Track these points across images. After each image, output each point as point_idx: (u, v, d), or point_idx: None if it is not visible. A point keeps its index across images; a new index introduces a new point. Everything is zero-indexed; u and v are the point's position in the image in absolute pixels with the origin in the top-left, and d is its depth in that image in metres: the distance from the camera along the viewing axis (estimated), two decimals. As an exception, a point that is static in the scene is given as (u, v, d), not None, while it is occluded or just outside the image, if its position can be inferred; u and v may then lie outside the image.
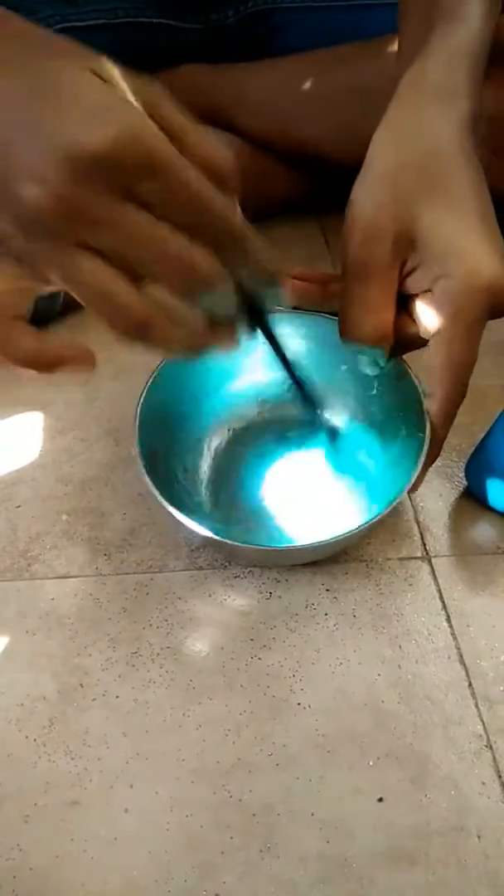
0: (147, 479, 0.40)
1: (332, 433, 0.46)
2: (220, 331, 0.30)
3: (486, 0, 0.40)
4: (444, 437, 0.41)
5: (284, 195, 0.70)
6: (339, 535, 0.39)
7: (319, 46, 0.64)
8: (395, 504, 0.39)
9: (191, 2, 0.65)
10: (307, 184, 0.70)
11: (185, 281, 0.28)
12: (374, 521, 0.39)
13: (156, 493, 0.39)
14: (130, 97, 0.26)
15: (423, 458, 0.40)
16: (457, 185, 0.37)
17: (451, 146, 0.37)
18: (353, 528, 0.39)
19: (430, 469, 0.50)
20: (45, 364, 0.32)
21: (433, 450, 0.41)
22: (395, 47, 0.47)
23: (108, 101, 0.25)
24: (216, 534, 0.40)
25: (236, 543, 0.41)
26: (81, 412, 0.55)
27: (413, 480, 0.40)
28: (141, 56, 0.66)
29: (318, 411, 0.42)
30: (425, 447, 0.40)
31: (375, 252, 0.37)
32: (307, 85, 0.63)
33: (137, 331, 0.28)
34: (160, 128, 0.26)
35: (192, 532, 0.40)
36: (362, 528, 0.39)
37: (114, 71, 0.26)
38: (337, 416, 0.50)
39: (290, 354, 0.37)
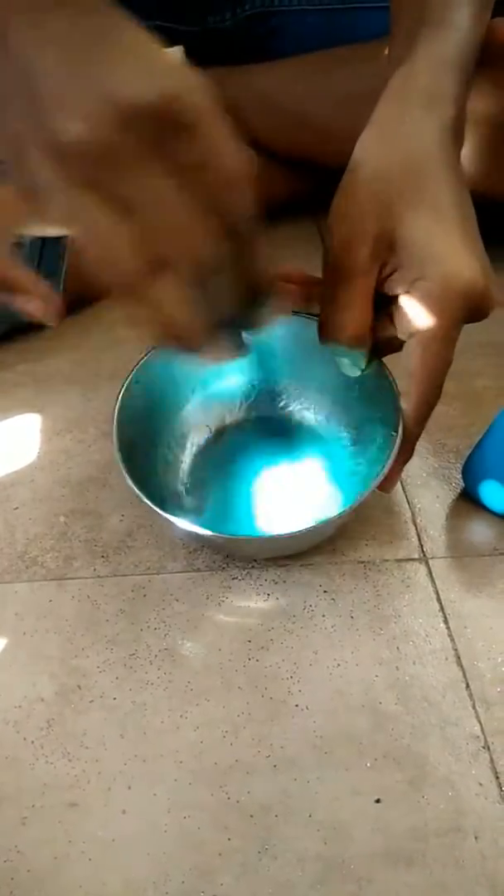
0: (124, 470, 0.40)
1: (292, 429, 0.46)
2: (204, 331, 0.30)
3: (476, 5, 0.40)
4: (418, 436, 0.42)
5: (283, 197, 0.70)
6: (316, 524, 0.40)
7: (317, 49, 0.64)
8: (367, 495, 0.40)
9: (188, 5, 0.65)
10: (306, 185, 0.70)
11: (185, 254, 0.28)
12: (347, 510, 0.40)
13: (145, 499, 0.40)
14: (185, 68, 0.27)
15: (393, 456, 0.40)
16: (438, 190, 0.37)
17: (434, 150, 0.38)
18: (327, 517, 0.40)
19: (428, 470, 0.51)
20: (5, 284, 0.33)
21: (406, 449, 0.41)
22: (385, 50, 0.47)
23: (165, 61, 0.26)
24: (200, 527, 0.40)
25: (210, 534, 0.41)
26: (79, 414, 0.55)
27: (382, 476, 0.40)
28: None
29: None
30: (396, 445, 0.40)
31: (356, 255, 0.37)
32: (305, 87, 0.63)
33: (123, 286, 0.28)
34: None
35: (182, 530, 0.40)
36: (335, 518, 0.40)
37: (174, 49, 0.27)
38: (319, 416, 0.50)
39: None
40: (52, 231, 0.30)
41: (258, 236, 0.29)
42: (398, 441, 0.40)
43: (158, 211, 0.27)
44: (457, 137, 0.38)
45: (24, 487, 0.50)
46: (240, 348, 0.34)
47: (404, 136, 0.38)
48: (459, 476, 0.50)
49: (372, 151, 0.38)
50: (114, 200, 0.26)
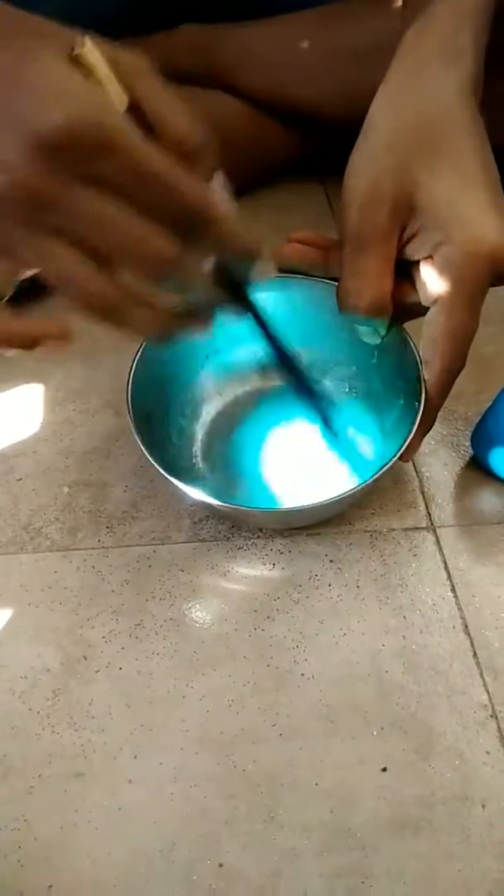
0: (138, 440, 0.40)
1: (325, 405, 0.45)
2: (194, 314, 0.31)
3: None
4: (440, 406, 0.41)
5: (285, 156, 0.68)
6: (334, 497, 0.39)
7: (319, 4, 0.62)
8: (388, 468, 0.38)
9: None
10: (309, 145, 0.68)
11: (145, 264, 0.28)
12: (368, 482, 0.39)
13: (159, 468, 0.39)
14: (104, 75, 0.27)
15: (415, 426, 0.39)
16: (459, 149, 0.36)
17: (454, 108, 0.36)
18: (347, 490, 0.39)
19: (436, 438, 0.50)
20: (24, 343, 0.34)
21: (427, 419, 0.40)
22: (395, 4, 0.45)
23: (66, 84, 0.25)
24: (214, 497, 0.39)
25: (224, 505, 0.40)
26: (81, 383, 0.55)
27: (404, 447, 0.39)
28: (139, 15, 0.65)
29: (307, 388, 0.42)
30: (419, 416, 0.39)
31: (374, 219, 0.36)
32: (307, 43, 0.61)
33: (106, 314, 0.28)
34: (137, 104, 0.26)
35: (191, 500, 0.39)
36: (356, 490, 0.39)
37: (90, 48, 0.26)
38: (337, 383, 0.49)
39: (274, 330, 0.37)
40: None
41: (218, 210, 0.28)
42: (420, 411, 0.39)
43: (108, 233, 0.27)
44: (476, 93, 0.37)
45: (27, 458, 0.50)
46: (232, 312, 0.34)
47: (422, 94, 0.36)
48: (468, 444, 0.49)
49: (389, 110, 0.37)
50: (61, 234, 0.26)
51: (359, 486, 0.39)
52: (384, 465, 0.39)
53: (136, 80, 0.27)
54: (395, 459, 0.39)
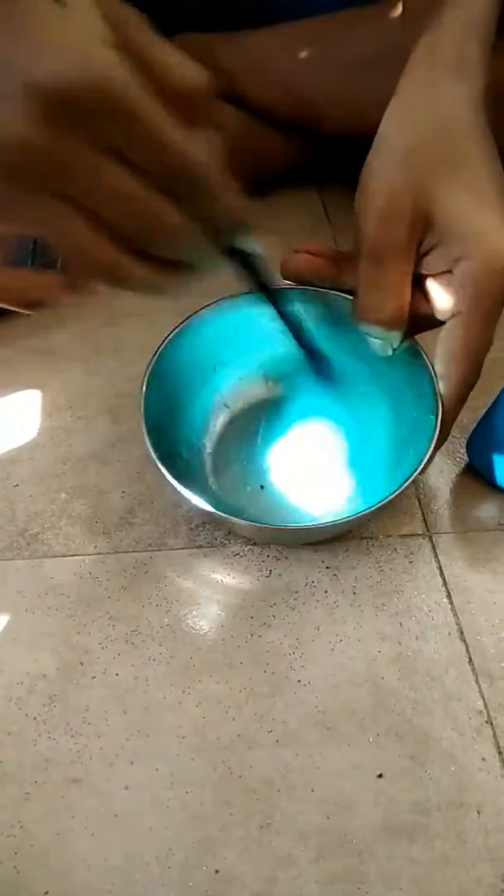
0: (153, 454, 0.40)
1: (328, 373, 0.45)
2: (193, 269, 0.30)
3: None
4: (455, 419, 0.41)
5: (283, 164, 0.69)
6: (343, 518, 0.39)
7: (323, 12, 0.63)
8: (404, 488, 0.38)
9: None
10: (307, 153, 0.69)
11: (145, 230, 0.27)
12: (380, 504, 0.38)
13: (161, 467, 0.39)
14: (97, 23, 0.25)
15: (434, 441, 0.39)
16: (474, 164, 0.36)
17: (467, 122, 0.36)
18: (358, 510, 0.39)
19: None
20: (26, 301, 0.34)
21: (443, 432, 0.40)
22: (395, 12, 0.45)
23: (70, 36, 0.24)
24: (221, 510, 0.39)
25: (240, 521, 0.40)
26: (79, 390, 0.55)
27: (423, 465, 0.39)
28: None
29: (319, 359, 0.42)
30: (436, 430, 0.39)
31: (392, 233, 0.36)
32: (308, 52, 0.62)
33: (104, 278, 0.28)
34: (129, 52, 0.25)
35: (193, 509, 0.39)
36: (368, 510, 0.38)
37: None
38: (347, 397, 0.49)
39: (281, 299, 0.37)
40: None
41: (214, 176, 0.28)
42: (438, 425, 0.39)
43: (103, 196, 0.26)
44: (485, 105, 0.37)
45: (24, 465, 0.50)
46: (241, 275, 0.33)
47: (435, 108, 0.37)
48: (464, 451, 0.49)
49: (402, 124, 0.37)
50: (64, 198, 0.26)
51: (374, 505, 0.38)
52: (404, 483, 0.38)
53: (127, 28, 0.26)
54: (415, 476, 0.38)
